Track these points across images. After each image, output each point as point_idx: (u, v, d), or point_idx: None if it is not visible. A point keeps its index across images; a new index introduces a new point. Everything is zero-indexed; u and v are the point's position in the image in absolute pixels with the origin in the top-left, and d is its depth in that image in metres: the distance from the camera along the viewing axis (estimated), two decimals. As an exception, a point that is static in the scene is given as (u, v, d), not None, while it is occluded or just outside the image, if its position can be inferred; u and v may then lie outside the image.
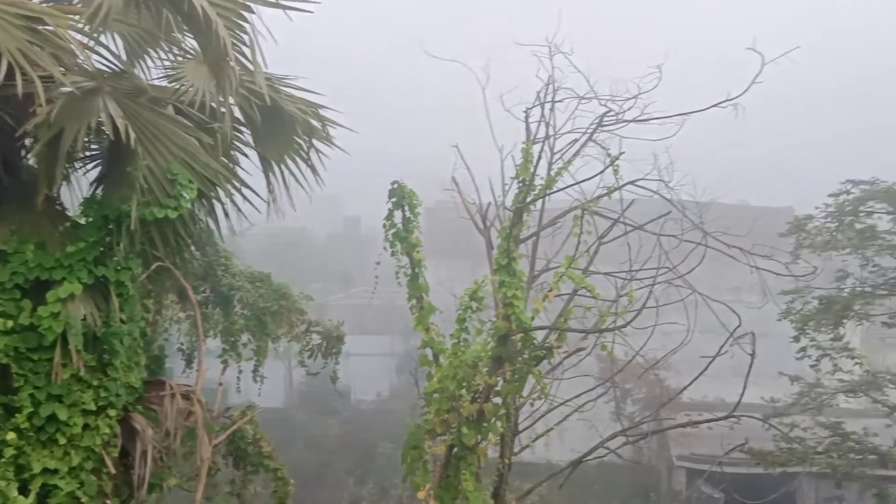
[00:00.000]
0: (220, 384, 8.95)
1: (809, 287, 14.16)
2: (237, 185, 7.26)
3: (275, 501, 8.88)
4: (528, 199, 8.84)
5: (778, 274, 8.61)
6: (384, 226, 9.02)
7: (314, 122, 7.60)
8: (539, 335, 8.88)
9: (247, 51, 6.42)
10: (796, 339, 14.43)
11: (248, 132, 7.49)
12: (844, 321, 14.20)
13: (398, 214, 9.07)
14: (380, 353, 36.96)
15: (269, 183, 7.64)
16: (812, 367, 15.01)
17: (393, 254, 9.00)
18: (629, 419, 17.98)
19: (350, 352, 41.10)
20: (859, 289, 14.80)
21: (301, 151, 7.64)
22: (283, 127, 7.42)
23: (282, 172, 7.64)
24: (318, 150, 7.79)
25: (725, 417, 9.13)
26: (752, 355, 8.46)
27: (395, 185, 9.02)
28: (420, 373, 9.52)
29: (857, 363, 15.22)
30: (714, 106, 8.42)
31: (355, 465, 28.51)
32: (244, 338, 13.09)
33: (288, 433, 27.30)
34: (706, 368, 9.73)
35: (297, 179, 7.64)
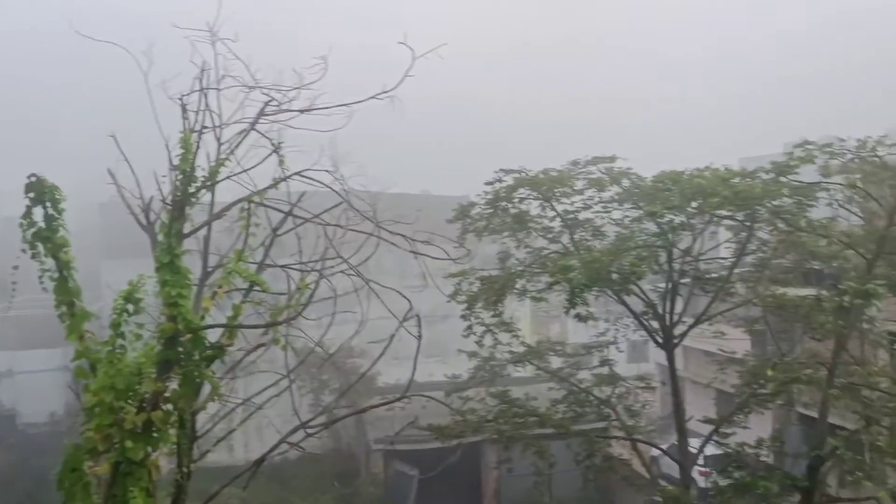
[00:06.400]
0: None
1: (474, 269, 15.39)
2: None
3: None
4: (190, 192, 8.35)
5: (435, 258, 9.13)
6: (21, 225, 7.94)
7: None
8: (214, 336, 8.47)
9: None
10: (465, 317, 15.59)
11: None
12: (504, 298, 15.61)
13: (39, 212, 8.03)
14: (52, 369, 33.18)
15: None
16: (476, 342, 16.36)
17: (34, 256, 7.96)
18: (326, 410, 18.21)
19: (14, 370, 36.27)
20: (519, 268, 16.37)
21: None
22: None
23: None
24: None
25: (399, 398, 9.47)
26: (419, 337, 8.86)
27: (33, 179, 7.97)
28: (82, 387, 8.63)
29: (514, 336, 16.92)
30: (372, 98, 8.63)
31: (27, 497, 25.31)
32: None
33: (-66, 474, 23.40)
34: (383, 353, 10.00)
35: None
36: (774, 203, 14.27)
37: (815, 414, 16.95)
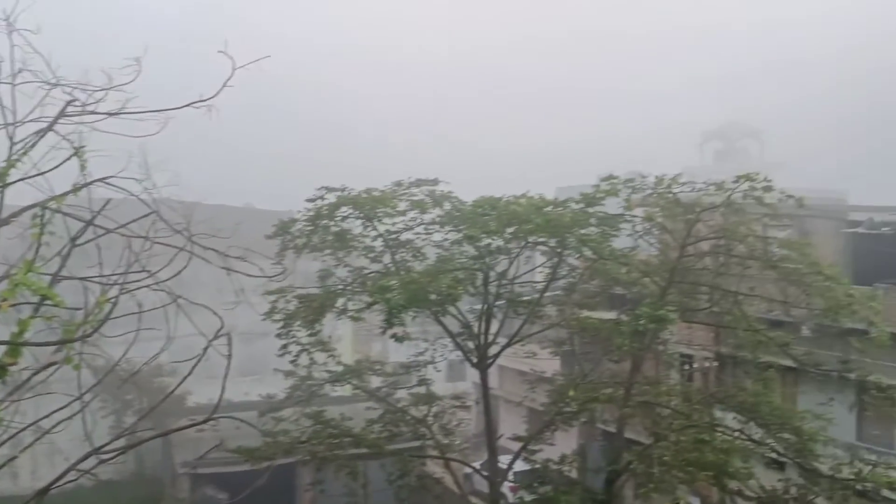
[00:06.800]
0: None
1: (293, 287, 15.11)
2: None
3: None
4: (-30, 195, 7.55)
5: (249, 274, 8.83)
6: None
7: None
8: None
9: None
10: (280, 336, 15.26)
11: None
12: (322, 317, 15.45)
13: None
14: None
15: None
16: (291, 362, 16.07)
17: None
18: (124, 433, 17.08)
19: None
20: (339, 287, 16.26)
21: None
22: None
23: None
24: None
25: (205, 420, 9.03)
26: (229, 356, 8.51)
27: None
28: None
29: (330, 355, 16.81)
30: (187, 105, 8.23)
31: None
32: None
33: None
34: (190, 373, 9.51)
35: None
36: (582, 232, 15.17)
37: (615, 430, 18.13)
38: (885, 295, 19.63)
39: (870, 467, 14.50)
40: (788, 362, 16.95)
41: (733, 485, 15.07)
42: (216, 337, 9.08)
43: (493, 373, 18.84)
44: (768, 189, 14.92)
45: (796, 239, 17.76)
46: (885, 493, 13.99)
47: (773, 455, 16.05)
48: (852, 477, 14.43)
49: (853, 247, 24.07)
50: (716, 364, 23.36)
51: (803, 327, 17.85)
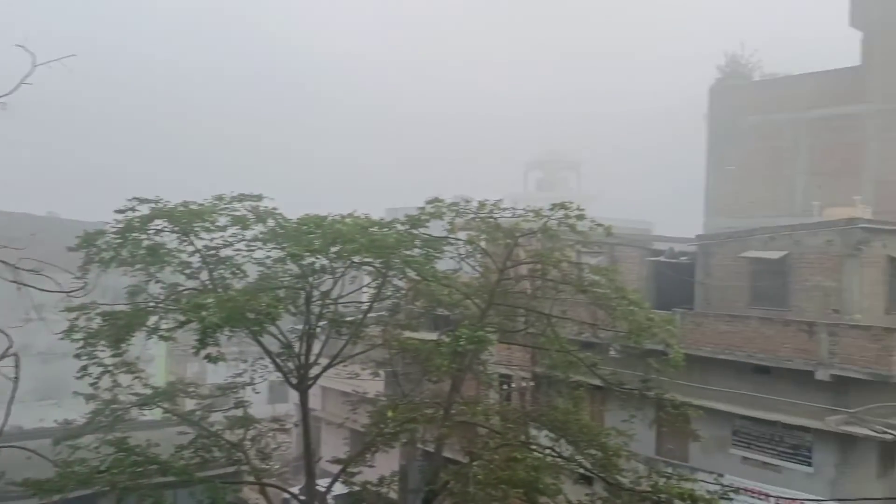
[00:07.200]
0: None
1: (97, 303, 14.09)
2: None
3: None
4: None
5: (43, 289, 8.14)
6: None
7: None
8: None
9: None
10: (78, 356, 14.16)
11: None
12: (129, 336, 14.51)
13: None
14: None
15: None
16: (91, 385, 14.98)
17: None
18: None
19: None
20: (150, 305, 15.33)
21: None
22: None
23: None
24: None
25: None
26: (16, 379, 7.78)
27: None
28: None
29: (136, 377, 15.83)
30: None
31: None
32: None
33: None
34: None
35: None
36: (407, 253, 15.29)
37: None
38: (681, 319, 21.42)
39: (664, 479, 15.58)
40: (597, 382, 17.91)
41: (543, 500, 15.65)
42: (2, 357, 8.29)
43: (315, 394, 18.51)
44: (581, 217, 15.78)
45: (606, 265, 18.90)
46: (678, 503, 15.06)
47: (582, 470, 16.85)
48: (649, 489, 15.44)
49: (655, 274, 26.07)
50: (532, 384, 24.38)
51: (610, 348, 18.96)
